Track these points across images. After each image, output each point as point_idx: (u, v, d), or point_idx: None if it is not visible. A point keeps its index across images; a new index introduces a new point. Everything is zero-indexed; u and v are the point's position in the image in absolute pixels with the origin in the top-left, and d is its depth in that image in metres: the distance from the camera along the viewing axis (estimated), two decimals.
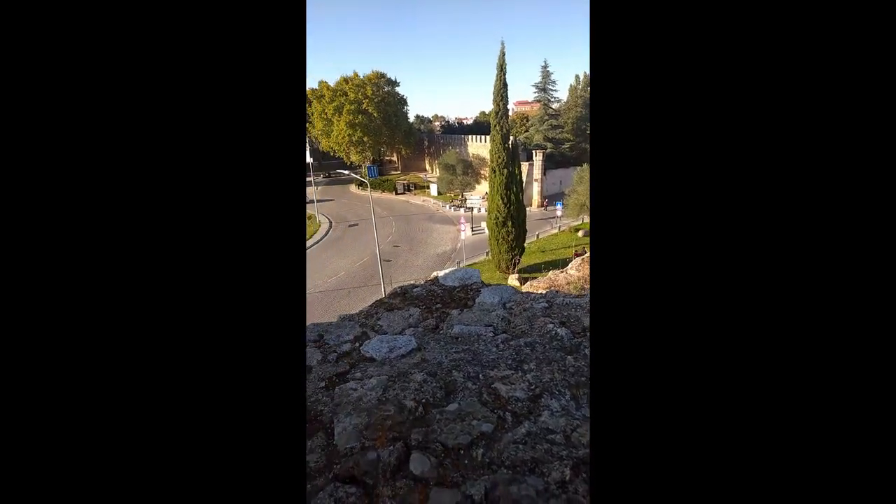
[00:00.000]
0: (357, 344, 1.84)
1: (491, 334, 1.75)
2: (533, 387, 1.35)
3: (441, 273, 2.52)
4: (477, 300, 2.12)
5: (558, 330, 1.71)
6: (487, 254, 22.56)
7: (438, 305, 2.12)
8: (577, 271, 4.45)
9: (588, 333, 1.68)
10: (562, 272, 4.69)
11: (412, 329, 1.92)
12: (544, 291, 2.31)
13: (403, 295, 2.29)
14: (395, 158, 52.95)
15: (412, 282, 2.52)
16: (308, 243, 28.09)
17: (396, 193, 41.20)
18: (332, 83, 40.56)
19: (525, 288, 4.42)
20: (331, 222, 32.50)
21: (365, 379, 1.49)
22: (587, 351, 1.54)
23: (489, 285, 2.37)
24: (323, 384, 1.53)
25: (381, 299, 2.32)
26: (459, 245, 25.09)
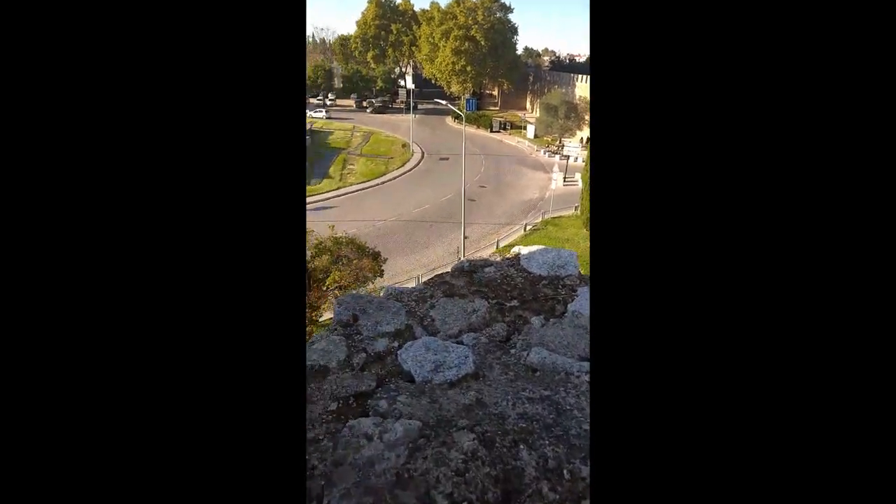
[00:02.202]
0: (396, 343, 1.36)
1: (586, 377, 1.17)
2: None
3: (524, 251, 1.91)
4: (570, 307, 1.52)
5: None
6: (576, 208, 21.07)
7: (514, 303, 1.56)
8: None
9: None
10: None
11: (473, 336, 1.39)
12: None
13: (470, 275, 1.75)
14: (495, 93, 50.82)
15: (485, 257, 1.95)
16: (398, 172, 28.80)
17: (491, 131, 39.59)
18: (443, 4, 38.76)
19: None
20: (423, 153, 32.56)
21: (390, 418, 1.01)
22: None
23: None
24: (335, 406, 1.09)
25: (441, 275, 1.80)
26: (548, 195, 23.65)
